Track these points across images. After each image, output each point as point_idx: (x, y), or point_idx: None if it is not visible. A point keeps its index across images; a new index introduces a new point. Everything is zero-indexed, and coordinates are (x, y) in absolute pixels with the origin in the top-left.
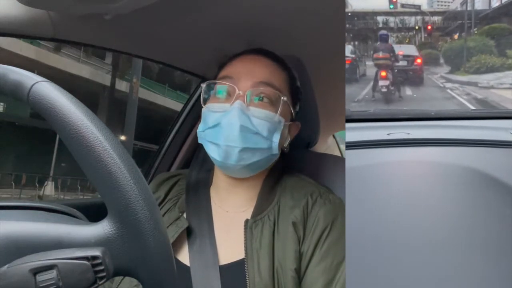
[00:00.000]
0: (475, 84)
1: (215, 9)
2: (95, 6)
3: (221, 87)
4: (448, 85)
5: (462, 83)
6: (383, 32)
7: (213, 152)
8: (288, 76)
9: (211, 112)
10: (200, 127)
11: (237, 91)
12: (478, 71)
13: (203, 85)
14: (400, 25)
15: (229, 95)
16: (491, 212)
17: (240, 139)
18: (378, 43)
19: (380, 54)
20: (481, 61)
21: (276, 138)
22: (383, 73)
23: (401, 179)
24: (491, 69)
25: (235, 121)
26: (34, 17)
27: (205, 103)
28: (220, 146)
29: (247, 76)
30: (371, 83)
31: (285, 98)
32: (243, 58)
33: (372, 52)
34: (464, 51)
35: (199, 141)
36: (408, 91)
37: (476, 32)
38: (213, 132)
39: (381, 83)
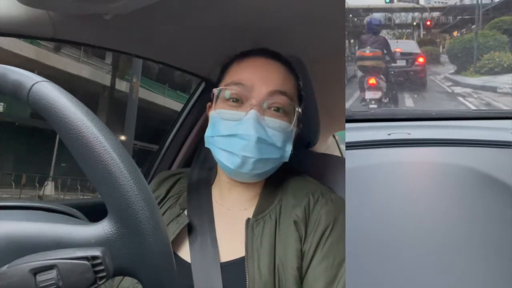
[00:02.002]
0: (492, 89)
1: (215, 10)
2: (95, 6)
3: (235, 93)
4: (457, 89)
5: (475, 87)
6: (373, 18)
7: (226, 160)
8: (296, 80)
9: (224, 120)
10: (209, 132)
11: (251, 100)
12: (491, 72)
13: (215, 91)
14: (397, 21)
15: (242, 102)
16: (491, 212)
17: (256, 150)
18: (366, 35)
19: (367, 51)
20: (494, 60)
21: (289, 148)
22: (372, 80)
23: (402, 179)
24: (508, 69)
25: (252, 132)
26: (34, 17)
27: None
28: (236, 155)
29: (262, 84)
30: (358, 92)
31: (299, 110)
32: (253, 62)
33: (357, 48)
34: (474, 48)
35: (206, 145)
36: (407, 100)
37: (479, 26)
38: (228, 141)
39: (368, 95)
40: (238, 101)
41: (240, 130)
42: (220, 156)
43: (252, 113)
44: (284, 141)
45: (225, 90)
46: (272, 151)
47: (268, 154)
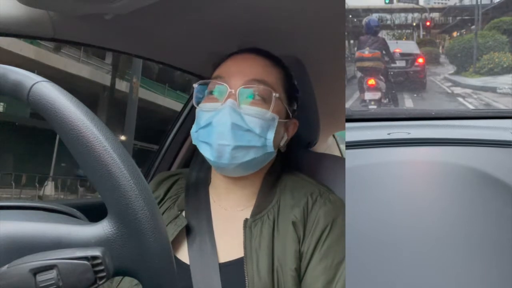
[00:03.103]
0: (492, 89)
1: (215, 10)
2: (95, 6)
3: (214, 87)
4: (457, 90)
5: (475, 88)
6: (372, 19)
7: (206, 152)
8: (283, 74)
9: (203, 112)
10: (193, 128)
11: (228, 90)
12: (491, 72)
13: (196, 85)
14: (396, 22)
15: (222, 95)
16: (491, 212)
17: (232, 137)
18: (365, 36)
19: (367, 52)
20: (494, 60)
21: (270, 136)
22: (371, 81)
23: (401, 179)
24: (507, 70)
25: (226, 119)
26: (34, 17)
27: (198, 103)
28: (212, 145)
29: (239, 75)
30: (358, 93)
31: (277, 95)
32: (235, 57)
33: (355, 49)
34: (474, 48)
35: (193, 142)
36: (407, 101)
37: (479, 27)
38: (205, 132)
39: (368, 95)
40: (217, 94)
41: (216, 118)
42: (202, 149)
43: (228, 101)
44: (264, 128)
45: (205, 84)
46: (251, 138)
47: (247, 142)
